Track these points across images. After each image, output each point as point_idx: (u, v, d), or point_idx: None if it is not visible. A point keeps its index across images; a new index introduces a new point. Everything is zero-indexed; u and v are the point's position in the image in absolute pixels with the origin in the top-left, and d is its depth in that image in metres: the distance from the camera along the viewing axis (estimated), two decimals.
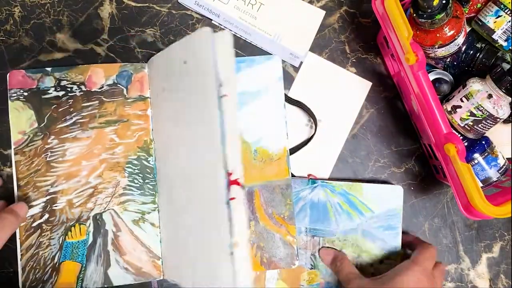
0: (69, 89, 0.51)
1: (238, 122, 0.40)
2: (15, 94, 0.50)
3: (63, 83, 0.51)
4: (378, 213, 0.52)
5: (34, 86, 0.51)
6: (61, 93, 0.51)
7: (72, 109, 0.51)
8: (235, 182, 0.41)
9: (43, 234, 0.50)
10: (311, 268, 0.52)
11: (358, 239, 0.52)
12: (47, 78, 0.51)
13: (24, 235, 0.49)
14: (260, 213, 0.52)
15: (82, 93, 0.52)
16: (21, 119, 0.50)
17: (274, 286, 0.52)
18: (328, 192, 0.52)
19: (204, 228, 0.43)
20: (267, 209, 0.52)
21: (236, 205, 0.39)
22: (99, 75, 0.52)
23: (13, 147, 0.50)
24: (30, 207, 0.50)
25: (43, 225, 0.50)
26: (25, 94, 0.51)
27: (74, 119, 0.51)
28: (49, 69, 0.51)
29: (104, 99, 0.52)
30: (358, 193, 0.52)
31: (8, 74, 0.51)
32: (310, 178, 0.52)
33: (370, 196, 0.52)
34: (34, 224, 0.50)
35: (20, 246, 0.49)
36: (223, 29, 0.55)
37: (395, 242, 0.52)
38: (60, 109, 0.51)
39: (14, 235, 0.49)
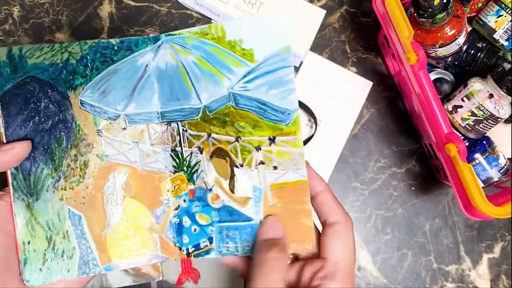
0: None
1: None
2: None
3: None
4: (256, 64, 0.32)
5: None
6: None
7: None
8: None
9: None
10: (175, 171, 0.35)
11: (232, 113, 0.33)
12: None
13: None
14: None
15: None
16: None
17: (120, 206, 0.34)
18: (178, 49, 0.33)
19: None
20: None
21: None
22: None
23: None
24: None
25: None
26: None
27: None
28: None
29: None
30: (221, 40, 0.32)
31: None
32: (151, 36, 0.34)
33: (240, 37, 0.32)
34: None
35: None
36: None
37: (290, 104, 0.31)
38: None
39: None
